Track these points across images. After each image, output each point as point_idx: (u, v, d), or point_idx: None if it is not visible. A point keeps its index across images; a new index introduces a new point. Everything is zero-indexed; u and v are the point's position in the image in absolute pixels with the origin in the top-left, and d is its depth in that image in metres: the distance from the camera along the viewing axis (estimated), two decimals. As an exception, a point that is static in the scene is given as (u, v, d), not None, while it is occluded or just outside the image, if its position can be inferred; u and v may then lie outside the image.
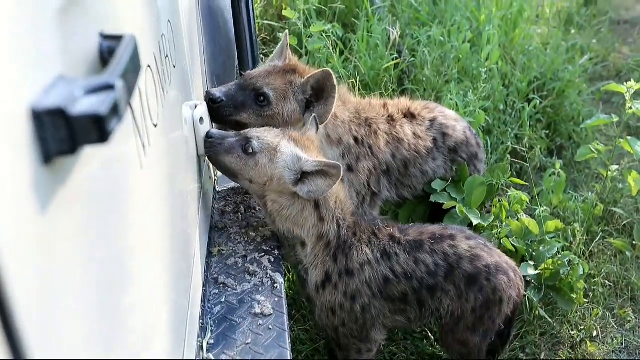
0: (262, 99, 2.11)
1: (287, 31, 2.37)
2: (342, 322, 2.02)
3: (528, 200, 2.70)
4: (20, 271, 0.57)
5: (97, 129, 0.62)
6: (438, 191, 2.48)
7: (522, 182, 2.86)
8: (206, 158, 1.99)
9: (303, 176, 1.86)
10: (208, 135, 1.89)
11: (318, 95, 2.14)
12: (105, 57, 0.85)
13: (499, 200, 2.62)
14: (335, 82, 2.10)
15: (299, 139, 1.94)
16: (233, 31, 2.71)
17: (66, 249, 0.69)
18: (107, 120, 0.62)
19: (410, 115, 2.48)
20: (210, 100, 2.07)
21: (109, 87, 0.66)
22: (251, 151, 1.87)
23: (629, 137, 2.80)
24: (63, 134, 0.61)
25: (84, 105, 0.62)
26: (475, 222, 2.45)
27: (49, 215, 0.62)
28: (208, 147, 1.90)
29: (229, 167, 1.91)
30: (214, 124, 2.18)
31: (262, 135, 1.91)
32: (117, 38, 0.86)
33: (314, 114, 2.09)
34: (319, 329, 2.48)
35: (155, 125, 1.22)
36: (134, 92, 0.82)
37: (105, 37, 0.87)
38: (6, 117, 0.57)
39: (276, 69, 2.20)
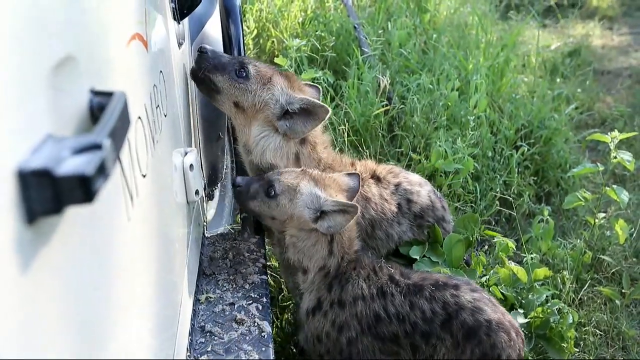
0: (242, 71, 2.16)
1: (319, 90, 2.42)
2: (327, 350, 2.04)
3: (514, 247, 2.70)
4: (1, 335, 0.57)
5: (83, 189, 0.62)
6: (418, 259, 2.43)
7: (495, 234, 2.83)
8: (195, 204, 2.02)
9: (322, 213, 1.97)
10: (234, 184, 2.06)
11: (301, 114, 2.17)
12: (95, 113, 0.87)
13: (477, 254, 2.59)
14: (327, 119, 2.16)
15: (319, 179, 2.05)
16: (225, 78, 2.75)
17: (48, 307, 0.69)
18: (93, 180, 0.63)
19: (376, 178, 2.47)
20: (198, 50, 2.16)
21: (96, 147, 0.67)
22: (273, 194, 1.99)
23: (614, 186, 2.83)
24: (48, 195, 0.62)
25: (70, 165, 0.63)
26: None
27: (31, 275, 0.62)
28: (237, 196, 2.07)
29: (255, 210, 2.06)
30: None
31: (283, 178, 2.02)
32: (108, 94, 0.88)
33: (287, 124, 2.15)
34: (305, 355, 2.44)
35: (144, 176, 1.23)
36: (122, 147, 0.83)
37: (96, 93, 0.89)
38: (-8, 178, 0.58)
39: (274, 68, 2.31)
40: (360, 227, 2.37)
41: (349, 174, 2.16)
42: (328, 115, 2.14)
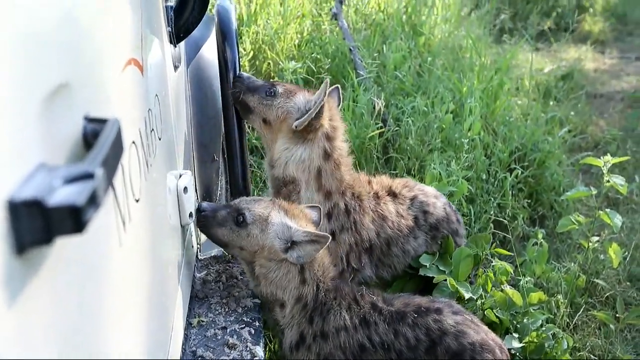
0: (271, 91, 2.33)
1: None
2: None
3: (512, 271, 2.70)
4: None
5: (73, 219, 0.62)
6: (427, 266, 2.46)
7: (506, 252, 2.87)
8: (189, 227, 2.01)
9: (292, 243, 1.95)
10: (200, 210, 1.97)
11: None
12: (89, 140, 0.87)
13: (484, 272, 2.61)
14: (326, 94, 2.22)
15: (288, 209, 2.03)
16: (220, 101, 2.76)
17: (38, 337, 0.68)
18: (83, 211, 0.63)
19: (392, 194, 2.51)
20: (236, 76, 2.40)
21: (88, 176, 0.67)
22: (243, 222, 1.95)
23: (608, 210, 2.84)
24: (38, 225, 0.61)
25: (61, 195, 0.63)
26: (467, 295, 2.42)
27: (19, 307, 0.62)
28: (201, 222, 1.99)
29: (221, 239, 1.99)
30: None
31: (253, 207, 1.99)
32: (102, 121, 0.88)
33: (297, 120, 2.24)
34: None
35: (137, 200, 1.22)
36: (115, 175, 0.83)
37: (90, 120, 0.89)
38: (-18, 208, 0.58)
39: (305, 89, 2.44)
40: (375, 246, 2.39)
41: (311, 207, 2.17)
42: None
